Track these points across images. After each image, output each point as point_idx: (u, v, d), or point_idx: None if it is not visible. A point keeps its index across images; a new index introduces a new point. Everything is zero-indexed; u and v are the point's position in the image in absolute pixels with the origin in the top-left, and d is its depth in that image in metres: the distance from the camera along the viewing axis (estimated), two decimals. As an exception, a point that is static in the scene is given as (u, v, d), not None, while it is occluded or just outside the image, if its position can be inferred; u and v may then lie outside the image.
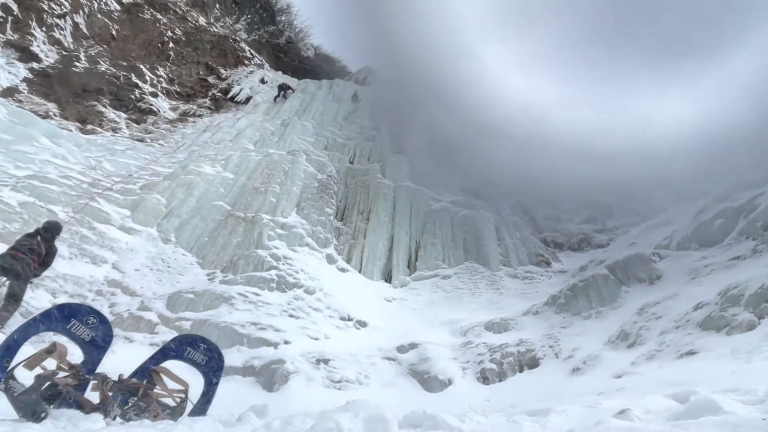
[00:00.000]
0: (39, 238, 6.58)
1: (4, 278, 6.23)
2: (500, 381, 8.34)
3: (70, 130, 16.67)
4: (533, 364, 8.63)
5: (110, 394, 4.05)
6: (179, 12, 28.72)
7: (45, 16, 20.70)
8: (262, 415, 4.02)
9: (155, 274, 10.62)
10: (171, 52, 25.24)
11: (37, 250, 6.46)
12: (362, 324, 10.48)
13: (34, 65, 19.28)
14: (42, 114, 16.74)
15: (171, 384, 4.54)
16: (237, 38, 31.31)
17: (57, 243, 7.08)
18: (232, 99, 24.52)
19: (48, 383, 3.72)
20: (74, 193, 11.82)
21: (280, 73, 29.19)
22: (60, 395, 3.79)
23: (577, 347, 8.57)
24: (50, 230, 6.83)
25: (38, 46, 19.94)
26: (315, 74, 32.62)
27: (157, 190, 13.29)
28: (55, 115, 17.63)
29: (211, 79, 25.67)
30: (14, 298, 6.24)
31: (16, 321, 6.40)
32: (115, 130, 18.87)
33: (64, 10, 21.82)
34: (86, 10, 23.23)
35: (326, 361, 8.32)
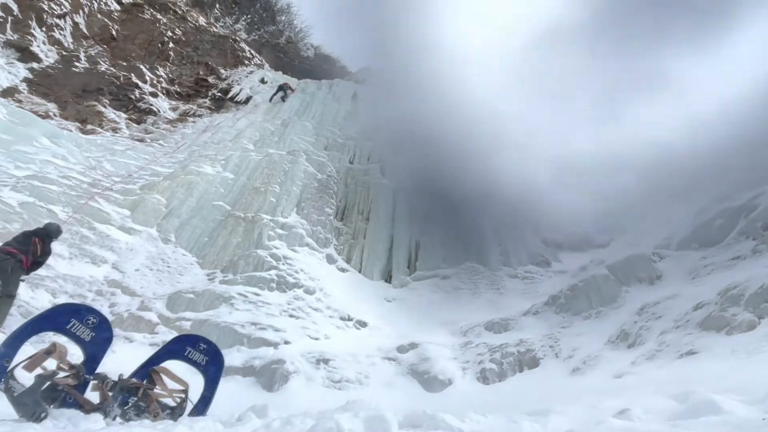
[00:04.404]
0: (36, 237, 6.57)
1: None
2: (500, 381, 8.34)
3: (70, 130, 16.67)
4: (533, 364, 8.62)
5: (110, 394, 4.05)
6: (179, 12, 28.74)
7: (45, 16, 20.71)
8: (262, 415, 4.02)
9: (155, 274, 10.62)
10: (171, 52, 25.24)
11: (32, 248, 6.46)
12: (362, 324, 10.48)
13: (34, 65, 19.29)
14: (42, 114, 16.74)
15: (171, 384, 4.55)
16: (237, 38, 31.32)
17: (57, 243, 7.08)
18: (232, 99, 24.52)
19: (48, 383, 3.73)
20: (74, 193, 11.82)
21: (280, 73, 29.18)
22: (60, 395, 3.80)
23: (577, 347, 8.57)
24: (50, 233, 6.83)
25: (38, 46, 19.94)
26: (315, 74, 32.61)
27: (157, 190, 13.29)
28: (55, 115, 17.63)
29: (211, 79, 25.67)
30: (8, 295, 6.23)
31: (16, 321, 6.41)
32: (115, 130, 18.87)
33: (64, 10, 21.83)
34: (86, 10, 23.25)
35: (326, 361, 8.33)
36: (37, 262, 6.65)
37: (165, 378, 4.54)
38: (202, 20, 30.83)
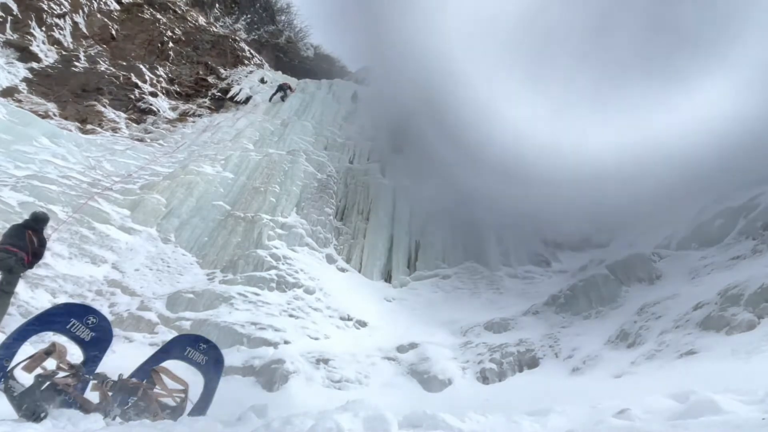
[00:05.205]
0: (28, 230, 6.54)
1: None
2: (500, 381, 8.34)
3: (70, 130, 16.66)
4: (533, 363, 8.63)
5: (110, 394, 4.06)
6: (179, 12, 28.74)
7: (44, 15, 20.70)
8: (262, 415, 4.03)
9: (155, 274, 10.62)
10: (171, 52, 25.23)
11: (29, 243, 6.44)
12: (362, 324, 10.48)
13: (34, 65, 19.29)
14: (42, 114, 16.74)
15: (171, 384, 4.55)
16: (237, 38, 31.31)
17: (57, 242, 7.07)
18: (231, 99, 24.52)
19: (48, 383, 3.73)
20: (74, 193, 11.81)
21: (279, 72, 29.19)
22: (60, 395, 3.80)
23: (576, 347, 8.57)
24: (38, 221, 6.80)
25: (38, 46, 19.94)
26: (315, 74, 32.62)
27: (157, 190, 13.29)
28: (54, 115, 17.62)
29: (210, 79, 25.67)
30: (7, 293, 6.22)
31: (16, 321, 6.41)
32: (114, 129, 18.87)
33: (64, 9, 21.82)
34: (86, 9, 23.24)
35: (326, 361, 8.33)
36: (37, 255, 6.63)
37: (165, 378, 4.55)
38: (201, 20, 30.83)
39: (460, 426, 3.30)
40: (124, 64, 22.43)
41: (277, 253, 11.80)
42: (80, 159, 14.53)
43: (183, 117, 22.13)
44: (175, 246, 11.82)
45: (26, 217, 9.68)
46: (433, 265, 13.91)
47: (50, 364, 3.83)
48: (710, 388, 3.84)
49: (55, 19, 21.22)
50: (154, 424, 3.82)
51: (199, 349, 4.91)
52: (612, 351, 8.06)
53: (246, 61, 28.61)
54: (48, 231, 9.28)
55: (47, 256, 9.07)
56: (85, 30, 22.81)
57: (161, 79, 23.58)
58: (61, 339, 4.27)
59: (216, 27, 32.01)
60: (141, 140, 18.71)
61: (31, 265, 6.60)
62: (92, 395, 4.06)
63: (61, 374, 3.85)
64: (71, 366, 3.92)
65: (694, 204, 12.89)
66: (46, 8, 20.80)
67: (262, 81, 26.43)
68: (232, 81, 25.94)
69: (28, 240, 6.41)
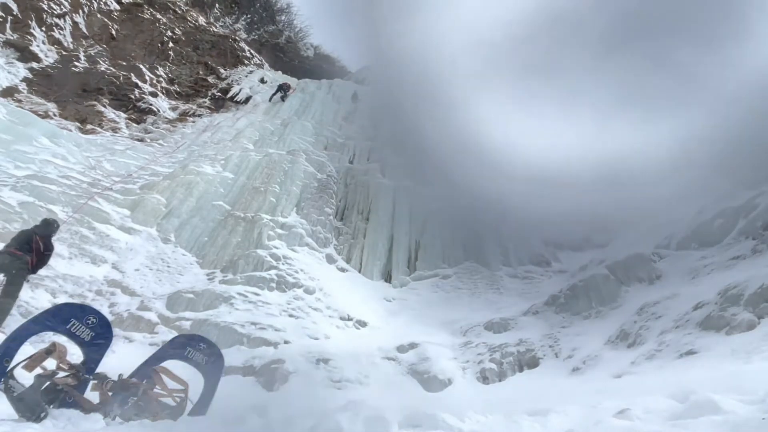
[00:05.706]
0: (37, 235, 6.57)
1: (2, 275, 6.22)
2: (500, 381, 8.34)
3: (70, 130, 16.66)
4: (533, 363, 8.63)
5: (110, 394, 4.06)
6: (179, 12, 28.74)
7: (44, 15, 20.70)
8: (262, 415, 4.02)
9: (155, 273, 10.62)
10: (171, 52, 25.23)
11: (35, 247, 6.47)
12: (362, 324, 10.48)
13: (34, 65, 19.28)
14: (42, 114, 16.73)
15: (171, 384, 4.56)
16: (237, 38, 31.31)
17: (57, 242, 7.07)
18: (231, 99, 24.51)
19: (48, 383, 3.73)
20: (74, 192, 11.82)
21: (279, 72, 29.17)
22: (60, 395, 3.80)
23: (576, 347, 8.57)
24: (48, 227, 6.83)
25: (38, 46, 19.93)
26: (315, 74, 32.56)
27: (157, 189, 13.29)
28: (54, 115, 17.62)
29: (210, 79, 25.66)
30: (10, 296, 6.24)
31: (15, 321, 6.41)
32: (114, 129, 18.86)
33: (64, 9, 21.82)
34: (86, 9, 23.24)
35: (326, 361, 8.32)
36: (41, 260, 6.65)
37: (165, 378, 4.55)
38: (201, 20, 30.82)
39: (460, 426, 3.30)
40: (124, 64, 22.43)
41: (277, 253, 11.80)
42: (80, 159, 14.54)
43: (183, 117, 22.13)
44: (175, 246, 11.82)
45: (26, 217, 9.71)
46: (433, 265, 13.90)
47: (50, 364, 3.83)
48: (710, 388, 3.83)
49: (55, 19, 21.22)
50: (154, 424, 3.82)
51: (199, 349, 4.90)
52: (612, 351, 8.06)
53: (246, 61, 28.60)
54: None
55: (47, 256, 9.07)
56: (85, 30, 22.81)
57: (161, 79, 23.58)
58: (61, 339, 4.27)
59: (216, 27, 32.01)
60: (141, 140, 18.71)
61: (35, 270, 6.62)
62: (92, 395, 4.06)
63: (61, 374, 3.85)
64: (71, 366, 3.92)
65: (694, 204, 12.87)
66: (46, 8, 20.80)
67: (262, 81, 26.43)
68: (232, 81, 25.94)
69: (35, 245, 6.45)
